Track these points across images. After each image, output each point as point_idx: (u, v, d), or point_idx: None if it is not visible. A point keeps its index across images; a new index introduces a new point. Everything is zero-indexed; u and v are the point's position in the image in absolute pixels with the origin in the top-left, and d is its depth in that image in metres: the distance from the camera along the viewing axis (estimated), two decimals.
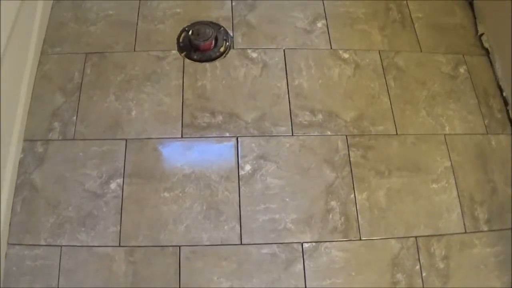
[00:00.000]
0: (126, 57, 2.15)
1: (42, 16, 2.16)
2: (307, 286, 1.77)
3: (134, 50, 2.17)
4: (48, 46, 2.17)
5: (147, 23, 2.25)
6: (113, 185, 1.89)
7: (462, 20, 2.41)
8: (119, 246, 1.79)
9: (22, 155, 1.93)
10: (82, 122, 1.99)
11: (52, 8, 2.28)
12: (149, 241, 1.80)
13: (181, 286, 1.75)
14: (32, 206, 1.85)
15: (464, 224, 1.91)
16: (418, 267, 1.83)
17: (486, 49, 2.30)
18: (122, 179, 1.90)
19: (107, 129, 1.99)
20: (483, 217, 1.94)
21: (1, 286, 1.72)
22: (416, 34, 2.32)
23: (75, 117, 2.00)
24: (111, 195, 1.87)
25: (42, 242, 1.79)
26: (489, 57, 2.29)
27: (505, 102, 2.18)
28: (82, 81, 2.08)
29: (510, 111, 2.15)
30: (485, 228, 1.92)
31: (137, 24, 2.24)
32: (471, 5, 2.45)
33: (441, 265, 1.84)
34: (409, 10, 2.39)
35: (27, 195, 1.87)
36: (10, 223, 1.82)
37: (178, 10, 2.29)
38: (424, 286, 1.80)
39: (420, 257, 1.84)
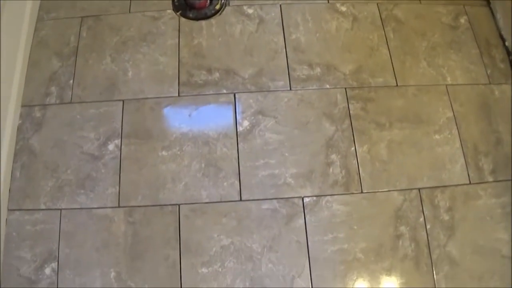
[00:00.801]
0: (121, 19, 2.02)
1: None
2: (308, 241, 1.65)
3: (129, 12, 2.04)
4: (44, 12, 2.06)
5: None
6: (111, 146, 1.79)
7: None
8: (118, 206, 1.70)
9: (20, 121, 1.84)
10: (78, 85, 1.88)
11: None
12: (148, 200, 1.70)
13: (181, 245, 1.65)
14: (31, 171, 1.76)
15: (468, 175, 1.78)
16: (422, 219, 1.70)
17: None
18: (120, 140, 1.79)
19: (103, 91, 1.88)
20: (488, 167, 1.80)
21: (2, 252, 1.64)
22: None
23: (71, 81, 1.89)
24: (109, 157, 1.77)
25: (42, 206, 1.71)
26: (490, 7, 2.13)
27: (508, 52, 2.02)
28: (78, 44, 1.97)
29: None
30: (490, 179, 1.78)
31: None
32: None
33: (446, 217, 1.71)
34: None
35: (26, 160, 1.78)
36: (10, 189, 1.72)
37: None
38: (429, 238, 1.67)
39: (424, 209, 1.71)
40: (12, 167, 1.77)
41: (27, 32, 1.95)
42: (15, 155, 1.78)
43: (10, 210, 1.70)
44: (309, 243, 1.65)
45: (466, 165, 1.79)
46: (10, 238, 1.67)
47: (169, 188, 1.72)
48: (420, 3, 2.11)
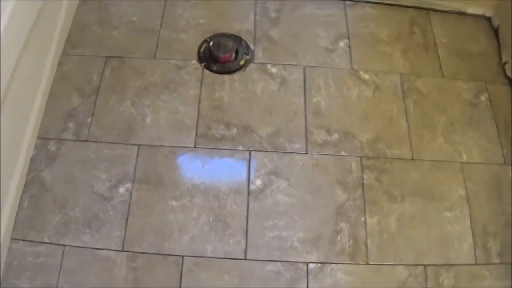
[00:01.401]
0: (145, 64, 2.14)
1: (66, 16, 2.17)
2: None
3: (155, 57, 2.17)
4: (70, 47, 2.18)
5: (170, 31, 2.25)
6: (121, 189, 1.87)
7: (486, 47, 2.37)
8: (122, 250, 1.77)
9: (34, 152, 1.93)
10: (96, 124, 1.99)
11: (77, 9, 2.29)
12: (152, 248, 1.78)
13: None
14: (40, 203, 1.84)
15: (475, 255, 1.85)
16: None
17: (509, 78, 2.26)
18: (131, 184, 1.88)
19: (120, 133, 1.98)
20: (496, 249, 1.87)
21: (1, 280, 1.72)
22: (439, 59, 2.28)
23: (90, 119, 2.00)
24: (119, 199, 1.85)
25: (46, 240, 1.78)
26: (511, 87, 2.24)
27: None
28: (100, 84, 2.08)
29: None
30: (497, 261, 1.85)
31: (159, 32, 2.24)
32: (496, 32, 2.41)
33: None
34: (434, 35, 2.36)
35: (35, 191, 1.86)
36: (15, 217, 1.81)
37: (201, 21, 2.30)
38: None
39: (428, 286, 1.78)
40: (21, 196, 1.84)
41: (51, 64, 2.06)
42: (25, 185, 1.87)
43: (13, 239, 1.77)
44: None
45: (474, 245, 1.86)
46: (11, 267, 1.73)
47: (175, 238, 1.79)
48: (443, 77, 2.22)
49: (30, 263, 1.73)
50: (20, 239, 1.77)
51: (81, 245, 1.77)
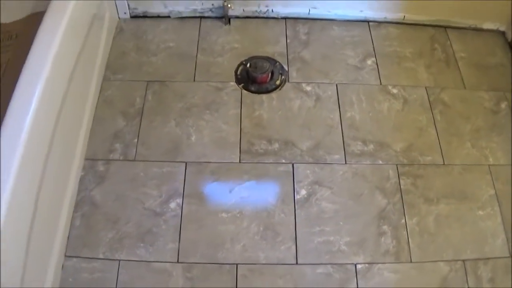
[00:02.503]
0: (186, 87, 2.46)
1: (105, 44, 2.49)
2: None
3: (194, 80, 2.49)
4: (111, 73, 2.49)
5: (206, 56, 2.59)
6: (172, 205, 2.13)
7: (502, 59, 2.74)
8: (177, 262, 2.00)
9: (83, 173, 2.18)
10: (143, 144, 2.27)
11: (114, 38, 2.62)
12: (206, 258, 2.02)
13: None
14: (91, 221, 2.08)
15: (509, 249, 2.15)
16: None
17: None
18: (181, 199, 2.14)
19: (167, 152, 2.26)
20: None
21: None
22: (460, 72, 2.64)
23: (136, 140, 2.28)
24: (170, 214, 2.11)
25: (100, 256, 2.00)
26: None
27: None
28: (143, 106, 2.38)
29: None
30: None
31: (196, 57, 2.58)
32: (510, 45, 2.79)
33: (488, 286, 2.05)
34: (453, 50, 2.74)
35: (86, 210, 2.10)
36: (68, 236, 2.03)
37: (236, 45, 2.64)
38: None
39: (468, 279, 2.06)
40: (72, 216, 2.08)
41: (94, 89, 2.36)
42: (76, 205, 2.11)
43: (67, 257, 1.99)
44: None
45: (507, 240, 2.16)
46: (65, 284, 1.93)
47: (227, 248, 2.04)
48: (465, 88, 2.59)
49: (86, 279, 1.95)
50: (73, 256, 1.99)
51: (136, 259, 1.99)
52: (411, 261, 2.08)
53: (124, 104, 2.39)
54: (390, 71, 2.62)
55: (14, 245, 1.57)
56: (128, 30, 2.68)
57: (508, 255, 2.13)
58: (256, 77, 2.46)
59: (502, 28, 2.85)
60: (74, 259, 1.99)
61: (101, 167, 2.21)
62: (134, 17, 2.72)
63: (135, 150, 2.26)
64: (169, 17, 2.72)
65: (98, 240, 2.04)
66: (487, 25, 2.85)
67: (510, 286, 2.06)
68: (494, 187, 2.29)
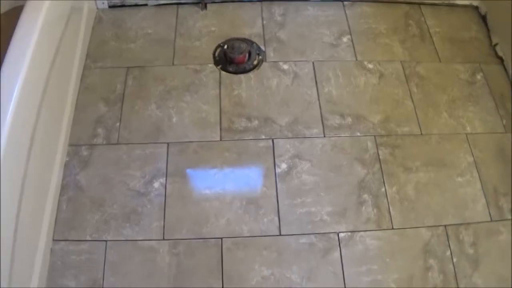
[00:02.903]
0: (165, 71, 2.52)
1: (84, 34, 2.55)
2: (344, 272, 2.02)
3: (173, 64, 2.55)
4: (91, 61, 2.55)
5: (184, 40, 2.65)
6: (156, 184, 2.18)
7: (476, 33, 2.82)
8: (163, 239, 2.05)
9: (67, 159, 2.24)
10: (125, 128, 2.32)
11: (93, 28, 2.68)
12: (192, 234, 2.07)
13: (223, 276, 1.99)
14: (77, 205, 2.13)
15: (489, 213, 2.20)
16: (448, 253, 2.09)
17: (500, 58, 2.69)
18: (165, 178, 2.20)
19: (149, 134, 2.31)
20: (507, 207, 2.23)
21: (46, 280, 1.96)
22: (435, 47, 2.72)
23: (118, 124, 2.34)
24: (154, 193, 2.16)
25: (88, 238, 2.05)
26: (503, 65, 2.67)
27: None
28: (124, 92, 2.44)
29: None
30: (510, 217, 2.20)
31: (174, 41, 2.64)
32: (484, 19, 2.87)
33: (471, 251, 2.10)
34: (427, 26, 2.81)
35: (72, 194, 2.15)
36: (55, 220, 2.08)
37: (213, 29, 2.71)
38: (456, 270, 2.05)
39: (450, 244, 2.11)
40: (59, 200, 2.13)
41: (75, 78, 2.42)
42: (62, 188, 2.16)
43: (55, 241, 2.03)
44: (345, 274, 2.01)
45: (487, 204, 2.22)
46: (55, 267, 1.99)
47: (212, 223, 2.09)
48: (440, 62, 2.66)
49: (74, 261, 2.00)
50: (61, 240, 2.04)
51: (122, 239, 2.05)
52: (392, 228, 2.13)
53: (105, 91, 2.44)
54: (366, 47, 2.69)
55: (2, 231, 1.61)
56: (107, 19, 2.73)
57: (489, 219, 2.19)
58: (234, 58, 2.53)
59: (475, 3, 2.92)
60: (62, 243, 2.04)
61: (84, 152, 2.25)
62: (112, 6, 2.78)
63: (117, 134, 2.30)
64: (146, 5, 2.78)
65: (85, 223, 2.08)
66: (460, 1, 2.92)
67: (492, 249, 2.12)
68: (473, 155, 2.35)
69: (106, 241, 2.05)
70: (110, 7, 2.78)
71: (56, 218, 2.10)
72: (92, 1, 2.71)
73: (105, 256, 2.02)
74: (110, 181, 2.20)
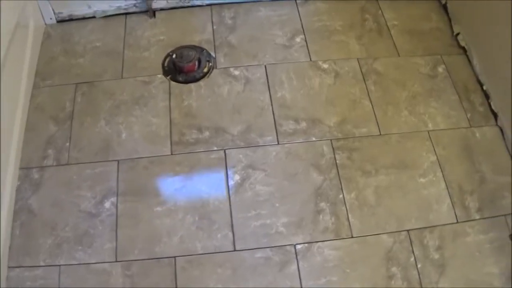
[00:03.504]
0: (114, 84, 2.41)
1: (32, 52, 2.44)
2: (302, 286, 1.92)
3: (122, 77, 2.44)
4: (40, 79, 2.44)
5: (133, 51, 2.54)
6: (107, 204, 2.09)
7: (437, 23, 2.69)
8: (116, 261, 1.96)
9: (19, 182, 2.14)
10: (75, 147, 2.22)
11: (42, 44, 2.57)
12: (145, 254, 1.98)
13: None
14: (30, 229, 2.03)
15: (455, 214, 2.09)
16: (412, 259, 1.98)
17: (463, 48, 2.56)
18: (115, 197, 2.10)
19: (99, 152, 2.21)
20: (474, 206, 2.12)
21: None
22: (393, 41, 2.59)
23: (68, 143, 2.23)
24: (105, 214, 2.06)
25: (41, 263, 1.96)
26: (466, 55, 2.54)
27: (486, 96, 2.40)
28: (73, 109, 2.33)
29: (492, 104, 2.36)
30: (477, 217, 2.09)
31: (123, 53, 2.53)
32: (445, 8, 2.72)
33: (436, 256, 1.99)
34: (385, 19, 2.68)
35: (25, 219, 2.06)
36: (10, 247, 1.99)
37: (162, 37, 2.59)
38: (420, 277, 1.95)
39: (414, 250, 2.00)
40: (12, 226, 2.04)
41: (24, 98, 2.31)
42: (15, 214, 2.07)
43: (10, 268, 1.95)
44: None
45: (453, 205, 2.11)
46: None
47: (165, 241, 2.00)
48: (399, 56, 2.53)
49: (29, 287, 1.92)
50: (16, 267, 1.95)
51: (75, 263, 1.96)
52: (352, 236, 2.03)
53: (54, 109, 2.34)
54: (320, 46, 2.57)
55: None
56: (56, 34, 2.62)
57: (455, 220, 2.08)
58: (183, 66, 2.41)
59: None
60: (17, 269, 1.96)
61: (35, 175, 2.16)
62: (61, 21, 2.66)
63: (67, 154, 2.21)
64: (94, 17, 2.67)
65: (38, 248, 2.00)
66: None
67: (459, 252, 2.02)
68: (435, 153, 2.24)
69: (59, 265, 1.96)
70: (58, 21, 2.66)
71: (10, 244, 2.01)
72: (40, 17, 2.59)
73: (59, 281, 1.93)
74: (61, 203, 2.10)
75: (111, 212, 2.08)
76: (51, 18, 2.63)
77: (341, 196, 2.12)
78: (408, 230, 2.05)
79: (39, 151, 2.23)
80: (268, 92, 2.40)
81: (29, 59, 2.41)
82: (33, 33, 2.49)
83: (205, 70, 2.46)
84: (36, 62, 2.50)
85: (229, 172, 2.17)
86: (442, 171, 2.19)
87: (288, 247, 2.00)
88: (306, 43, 2.58)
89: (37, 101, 2.38)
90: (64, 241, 2.01)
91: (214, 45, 2.57)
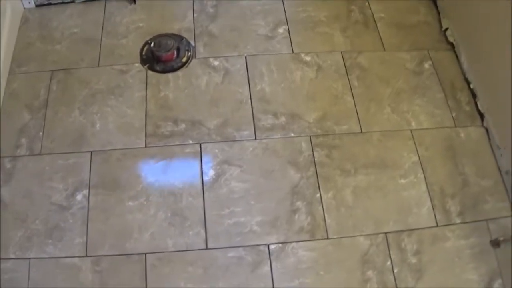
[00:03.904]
0: (90, 73, 2.32)
1: (9, 37, 2.35)
2: (275, 287, 1.86)
3: (99, 65, 2.35)
4: (16, 66, 2.35)
5: (111, 38, 2.44)
6: (79, 197, 2.02)
7: (426, 17, 2.58)
8: (86, 256, 1.91)
9: None
10: (48, 137, 2.15)
11: (19, 29, 2.47)
12: (115, 250, 1.92)
13: None
14: (1, 221, 1.96)
15: (435, 218, 2.02)
16: (389, 263, 1.92)
17: (451, 44, 2.46)
18: (87, 190, 2.03)
19: (72, 142, 2.14)
20: (455, 209, 2.04)
21: None
22: (379, 34, 2.49)
23: (41, 133, 2.16)
24: (77, 207, 2.00)
25: (11, 256, 1.91)
26: (454, 51, 2.44)
27: (473, 95, 2.31)
28: (48, 98, 2.25)
29: (478, 103, 2.27)
30: (458, 221, 2.02)
31: (101, 40, 2.43)
32: (434, 1, 2.61)
33: (413, 260, 1.93)
34: (372, 11, 2.58)
35: None
36: None
37: (141, 24, 2.49)
38: (397, 282, 1.88)
39: (391, 253, 1.94)
40: None
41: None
42: None
43: None
44: None
45: (433, 208, 2.03)
46: None
47: (135, 237, 1.94)
48: (384, 50, 2.43)
49: None
50: None
51: (45, 256, 1.91)
52: (327, 238, 1.97)
53: (29, 97, 2.26)
54: (304, 38, 2.47)
55: None
56: (34, 19, 2.52)
57: (435, 224, 2.01)
58: (161, 56, 2.31)
59: None
60: None
61: (8, 165, 2.09)
62: (39, 5, 2.55)
63: (40, 144, 2.14)
64: (73, 2, 2.56)
65: (8, 240, 1.94)
66: None
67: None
68: (418, 153, 2.16)
69: (29, 258, 1.91)
70: (37, 6, 2.55)
71: None
72: (18, 1, 2.49)
73: (28, 275, 1.88)
74: (33, 195, 2.03)
75: (82, 205, 2.01)
76: (29, 2, 2.52)
77: (318, 195, 2.04)
78: (385, 233, 1.98)
79: (12, 140, 2.16)
80: (248, 85, 2.30)
81: (6, 44, 2.32)
82: (11, 17, 2.41)
83: (184, 59, 2.36)
84: (14, 48, 2.40)
85: (204, 167, 2.09)
86: (423, 173, 2.11)
87: (261, 247, 1.94)
88: (289, 34, 2.47)
89: (12, 88, 2.29)
90: (34, 234, 1.96)
91: (194, 34, 2.47)
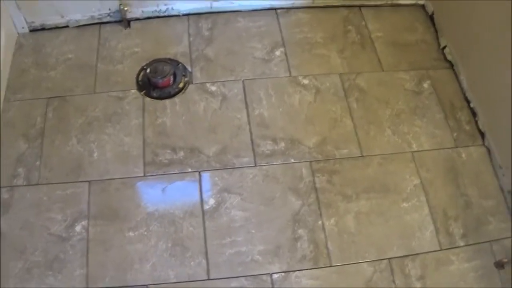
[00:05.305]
0: (86, 100, 2.23)
1: (3, 63, 2.26)
2: None
3: (95, 92, 2.25)
4: (11, 93, 2.25)
5: (106, 64, 2.35)
6: (78, 228, 1.93)
7: (423, 35, 2.51)
8: None
9: None
10: (45, 166, 2.06)
11: (13, 55, 2.37)
12: (116, 281, 1.84)
13: None
14: (0, 253, 1.88)
15: (438, 241, 1.95)
16: None
17: (450, 62, 2.39)
18: (87, 221, 1.94)
19: (70, 172, 2.05)
20: (458, 232, 1.97)
21: None
22: (377, 54, 2.42)
23: (38, 162, 2.07)
24: (76, 238, 1.91)
25: None
26: (453, 69, 2.38)
27: (473, 113, 2.24)
28: (44, 126, 2.16)
29: (479, 122, 2.20)
30: (462, 243, 1.95)
31: (96, 66, 2.34)
32: (431, 19, 2.54)
33: (418, 285, 1.86)
34: (369, 30, 2.50)
35: None
36: None
37: (136, 49, 2.40)
38: None
39: (395, 279, 1.86)
40: None
41: None
42: None
43: None
44: None
45: (436, 231, 1.96)
46: None
47: (136, 268, 1.86)
48: (383, 70, 2.35)
49: None
50: None
51: None
52: (331, 265, 1.89)
53: (25, 126, 2.16)
54: (301, 60, 2.38)
55: None
56: (28, 45, 2.42)
57: (438, 248, 1.93)
58: (157, 82, 2.22)
59: (421, 2, 2.60)
60: None
61: (5, 195, 1.99)
62: (33, 30, 2.46)
63: (38, 173, 2.04)
64: (67, 26, 2.46)
65: (7, 272, 1.85)
66: (404, 0, 2.59)
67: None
68: (419, 176, 2.08)
69: None
70: (31, 31, 2.45)
71: None
72: (12, 26, 2.39)
73: None
74: (31, 225, 1.94)
75: (82, 236, 1.92)
76: (23, 27, 2.41)
77: (320, 222, 1.96)
78: (389, 259, 1.90)
79: (9, 170, 2.06)
80: (246, 110, 2.22)
81: (1, 70, 2.21)
82: (5, 43, 2.29)
83: (181, 85, 2.26)
84: (8, 75, 2.30)
85: (204, 196, 2.00)
86: (425, 195, 2.03)
87: (264, 276, 1.85)
88: (286, 56, 2.39)
89: (8, 116, 2.19)
90: (34, 266, 1.87)
91: (191, 58, 2.38)
